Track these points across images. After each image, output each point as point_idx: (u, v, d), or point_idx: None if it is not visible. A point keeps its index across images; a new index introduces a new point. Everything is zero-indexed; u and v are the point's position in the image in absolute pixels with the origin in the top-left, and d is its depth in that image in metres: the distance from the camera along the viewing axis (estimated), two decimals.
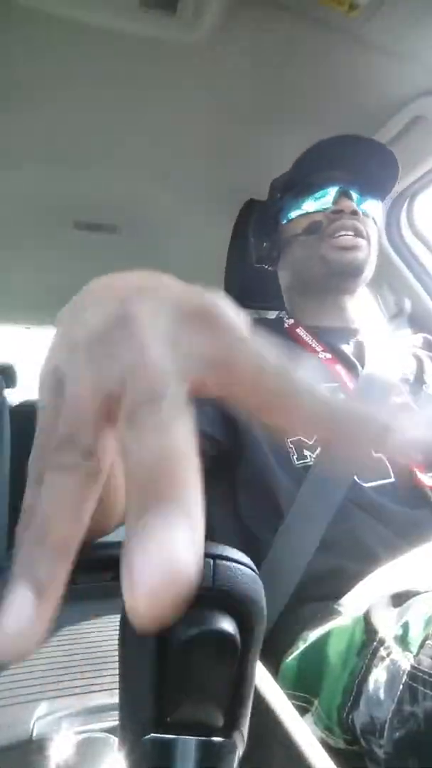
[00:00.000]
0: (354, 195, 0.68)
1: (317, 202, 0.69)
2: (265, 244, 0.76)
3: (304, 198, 0.70)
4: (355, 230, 0.66)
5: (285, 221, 0.72)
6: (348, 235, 0.66)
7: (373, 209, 0.70)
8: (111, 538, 0.62)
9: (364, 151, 0.68)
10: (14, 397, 2.21)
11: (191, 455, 0.13)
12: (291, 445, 0.58)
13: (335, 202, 0.67)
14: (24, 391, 2.42)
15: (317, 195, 0.69)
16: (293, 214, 0.71)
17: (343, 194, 0.68)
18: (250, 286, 0.95)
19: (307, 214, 0.69)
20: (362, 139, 0.68)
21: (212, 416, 0.61)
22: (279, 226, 0.74)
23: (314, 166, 0.69)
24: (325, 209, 0.68)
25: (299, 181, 0.71)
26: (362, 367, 0.65)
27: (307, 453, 0.57)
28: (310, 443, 0.58)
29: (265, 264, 0.78)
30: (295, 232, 0.70)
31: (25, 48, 0.72)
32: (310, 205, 0.69)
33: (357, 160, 0.68)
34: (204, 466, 0.46)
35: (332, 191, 0.68)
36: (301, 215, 0.70)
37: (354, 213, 0.66)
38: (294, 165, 0.71)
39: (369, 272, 0.70)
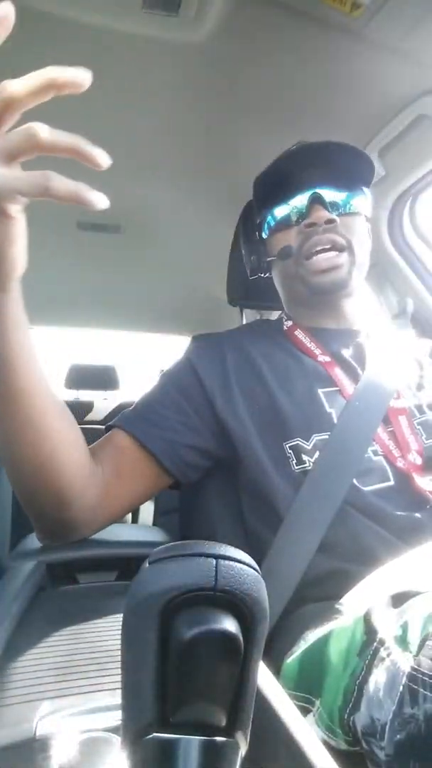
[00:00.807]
0: (330, 194, 0.65)
1: (288, 212, 0.66)
2: (252, 257, 0.75)
3: (276, 208, 0.68)
4: (332, 243, 0.63)
5: (265, 236, 0.72)
6: (324, 250, 0.63)
7: (356, 203, 0.67)
8: (112, 537, 0.62)
9: (331, 149, 0.66)
10: None
11: None
12: (290, 451, 0.58)
13: (308, 212, 0.64)
14: None
15: (288, 204, 0.66)
16: (268, 231, 0.70)
17: (315, 201, 0.64)
18: (253, 285, 0.95)
19: (278, 232, 0.68)
20: (327, 142, 0.65)
21: (199, 429, 0.62)
22: (263, 241, 0.73)
23: (284, 173, 0.67)
24: (297, 218, 0.66)
25: (271, 190, 0.68)
26: (362, 370, 0.65)
27: (305, 458, 0.57)
28: (309, 448, 0.58)
29: (259, 274, 0.76)
30: (272, 254, 0.70)
31: (26, 49, 0.72)
32: (283, 215, 0.67)
33: (326, 157, 0.66)
34: (198, 476, 0.49)
35: (303, 198, 0.65)
36: (273, 233, 0.69)
37: (329, 222, 0.63)
38: (263, 175, 0.69)
39: (358, 277, 0.68)
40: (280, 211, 0.68)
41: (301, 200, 0.66)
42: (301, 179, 0.66)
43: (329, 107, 0.84)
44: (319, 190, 0.65)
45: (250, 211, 0.78)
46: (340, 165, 0.66)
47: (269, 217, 0.70)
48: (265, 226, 0.71)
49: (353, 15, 0.65)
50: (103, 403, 2.40)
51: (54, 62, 0.80)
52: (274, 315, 0.80)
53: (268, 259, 0.72)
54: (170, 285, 1.71)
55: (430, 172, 0.90)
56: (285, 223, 0.67)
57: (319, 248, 0.63)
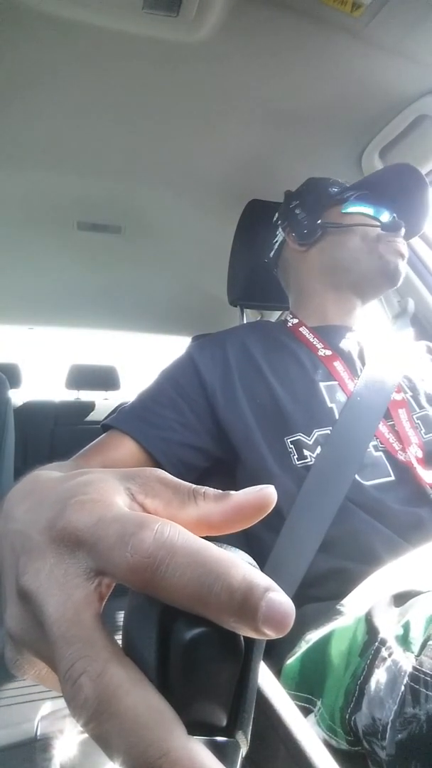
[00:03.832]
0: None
1: (380, 214, 0.73)
2: (306, 221, 0.75)
3: (370, 204, 0.73)
4: (404, 250, 0.72)
5: (347, 210, 0.73)
6: (401, 246, 0.71)
7: None
8: None
9: (420, 191, 0.74)
10: (18, 397, 2.23)
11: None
12: (291, 446, 0.58)
13: (391, 222, 0.72)
14: (28, 391, 2.43)
15: (381, 209, 0.73)
16: (359, 209, 0.73)
17: (401, 226, 0.72)
18: (253, 285, 0.95)
19: (373, 216, 0.73)
20: (423, 179, 0.73)
21: (196, 427, 0.62)
22: (332, 211, 0.74)
23: (384, 188, 0.73)
24: (383, 223, 0.72)
25: (370, 189, 0.74)
26: (363, 365, 0.66)
27: (307, 453, 0.57)
28: (310, 443, 0.58)
29: (303, 241, 0.76)
30: (361, 222, 0.72)
31: (28, 49, 0.72)
32: (375, 212, 0.73)
33: (412, 201, 0.74)
34: (196, 476, 0.47)
35: (390, 213, 0.73)
36: (367, 213, 0.73)
37: (401, 241, 0.72)
38: (371, 175, 0.75)
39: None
40: (375, 207, 0.73)
41: (389, 213, 0.73)
42: (393, 202, 0.74)
43: (330, 107, 0.84)
44: (404, 226, 0.72)
45: (255, 207, 0.83)
46: (419, 211, 0.76)
47: (360, 202, 0.73)
48: (353, 204, 0.73)
49: (354, 15, 0.65)
50: (105, 403, 2.40)
51: (55, 63, 0.81)
52: (275, 316, 0.80)
53: (355, 223, 0.72)
54: (170, 285, 1.71)
55: (430, 172, 0.90)
56: (375, 216, 0.72)
57: (398, 245, 0.71)
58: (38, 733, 0.25)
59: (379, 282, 0.71)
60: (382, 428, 0.59)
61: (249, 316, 1.09)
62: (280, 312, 0.79)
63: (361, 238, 0.71)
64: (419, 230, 0.78)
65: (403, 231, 0.71)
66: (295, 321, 0.73)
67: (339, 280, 0.73)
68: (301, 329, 0.70)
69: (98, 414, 2.32)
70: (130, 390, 2.53)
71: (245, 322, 1.02)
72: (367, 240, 0.71)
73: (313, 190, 0.79)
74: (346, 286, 0.73)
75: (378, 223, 0.71)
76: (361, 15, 0.64)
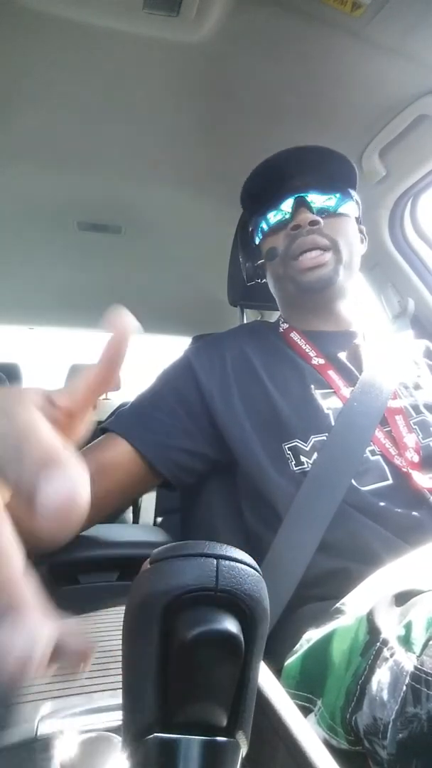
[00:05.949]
0: (315, 198, 0.67)
1: (276, 218, 0.69)
2: (248, 264, 0.77)
3: (264, 215, 0.70)
4: (315, 244, 0.65)
5: (257, 243, 0.74)
6: (310, 251, 0.65)
7: (341, 205, 0.68)
8: (113, 538, 0.62)
9: (313, 154, 0.68)
10: None
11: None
12: (289, 452, 0.59)
13: (293, 215, 0.66)
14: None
15: (275, 210, 0.69)
16: (259, 237, 0.73)
17: (300, 204, 0.66)
18: (255, 285, 0.95)
19: (267, 237, 0.70)
20: (309, 147, 0.68)
21: (192, 432, 0.62)
22: (257, 247, 0.75)
23: (268, 180, 0.69)
24: (284, 222, 0.67)
25: (257, 198, 0.71)
26: (359, 371, 0.65)
27: (304, 459, 0.57)
28: (307, 449, 0.58)
29: (255, 279, 0.78)
30: (262, 257, 0.72)
31: (28, 50, 0.72)
32: (270, 221, 0.69)
33: (309, 163, 0.68)
34: (194, 479, 0.48)
35: (289, 203, 0.67)
36: (263, 239, 0.71)
37: (313, 223, 0.65)
38: (248, 182, 0.71)
39: (346, 276, 0.68)
40: (269, 217, 0.70)
41: (286, 205, 0.68)
42: (285, 185, 0.68)
43: (330, 107, 0.84)
44: (302, 194, 0.67)
45: (246, 220, 0.80)
46: (323, 169, 0.68)
47: (260, 224, 0.72)
48: (258, 232, 0.73)
49: (354, 15, 0.65)
50: (105, 402, 2.40)
51: (56, 63, 0.81)
52: (275, 315, 0.80)
53: (258, 262, 0.74)
54: (171, 285, 1.71)
55: (430, 172, 0.90)
56: (274, 228, 0.69)
57: (303, 249, 0.65)
58: (38, 733, 0.25)
59: (312, 298, 0.68)
60: (379, 434, 0.59)
61: (249, 316, 1.09)
62: (280, 312, 0.80)
63: (271, 269, 0.71)
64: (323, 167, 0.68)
65: (301, 217, 0.64)
66: (286, 326, 0.72)
67: (291, 302, 0.73)
68: (292, 335, 0.70)
69: (99, 414, 2.32)
70: (130, 390, 2.53)
71: (245, 322, 1.02)
72: (276, 269, 0.69)
73: (244, 222, 0.79)
74: (301, 304, 0.71)
75: (279, 242, 0.67)
76: (361, 15, 0.65)
